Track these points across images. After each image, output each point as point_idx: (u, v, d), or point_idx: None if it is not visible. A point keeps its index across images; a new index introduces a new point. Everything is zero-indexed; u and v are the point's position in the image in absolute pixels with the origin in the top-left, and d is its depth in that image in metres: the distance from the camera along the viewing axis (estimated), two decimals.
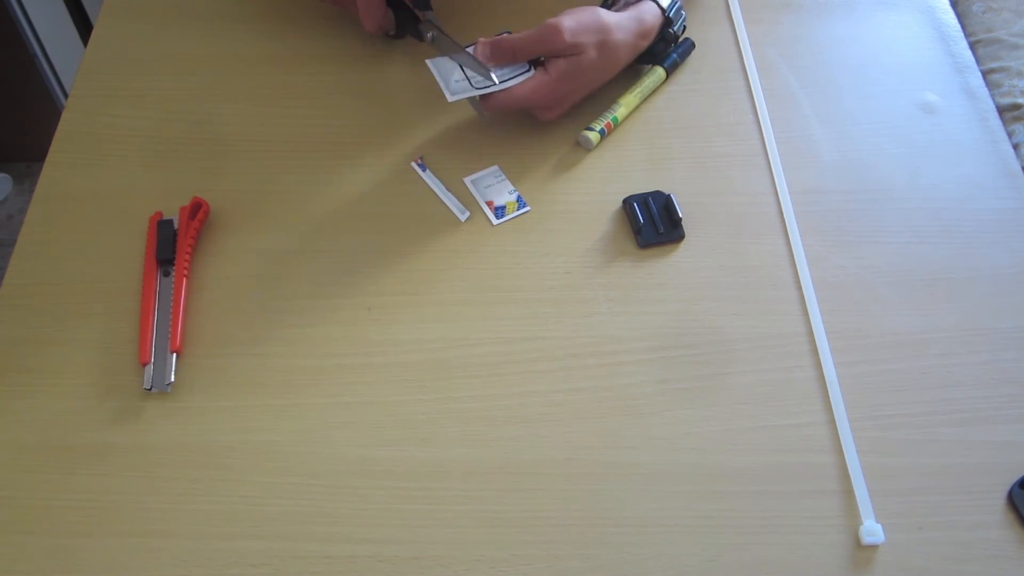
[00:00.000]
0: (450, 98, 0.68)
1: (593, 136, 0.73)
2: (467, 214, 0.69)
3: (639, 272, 0.67)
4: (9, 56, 1.52)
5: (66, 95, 1.55)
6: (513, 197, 0.70)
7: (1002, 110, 1.14)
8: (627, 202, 0.69)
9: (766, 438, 0.59)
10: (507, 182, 0.71)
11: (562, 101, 0.72)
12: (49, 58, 1.55)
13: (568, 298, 0.65)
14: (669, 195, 0.69)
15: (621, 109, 0.74)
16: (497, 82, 0.67)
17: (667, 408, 0.60)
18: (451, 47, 0.69)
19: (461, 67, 0.68)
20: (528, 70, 0.69)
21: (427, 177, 0.71)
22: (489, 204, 0.70)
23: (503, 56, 0.68)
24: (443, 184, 0.71)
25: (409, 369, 0.62)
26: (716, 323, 0.64)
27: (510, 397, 0.61)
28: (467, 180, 0.71)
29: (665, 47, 0.76)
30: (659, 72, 0.77)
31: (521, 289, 0.66)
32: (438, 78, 0.68)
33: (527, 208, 0.70)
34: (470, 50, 0.68)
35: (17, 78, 1.56)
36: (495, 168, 0.72)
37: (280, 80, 0.77)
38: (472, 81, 0.68)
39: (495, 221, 0.69)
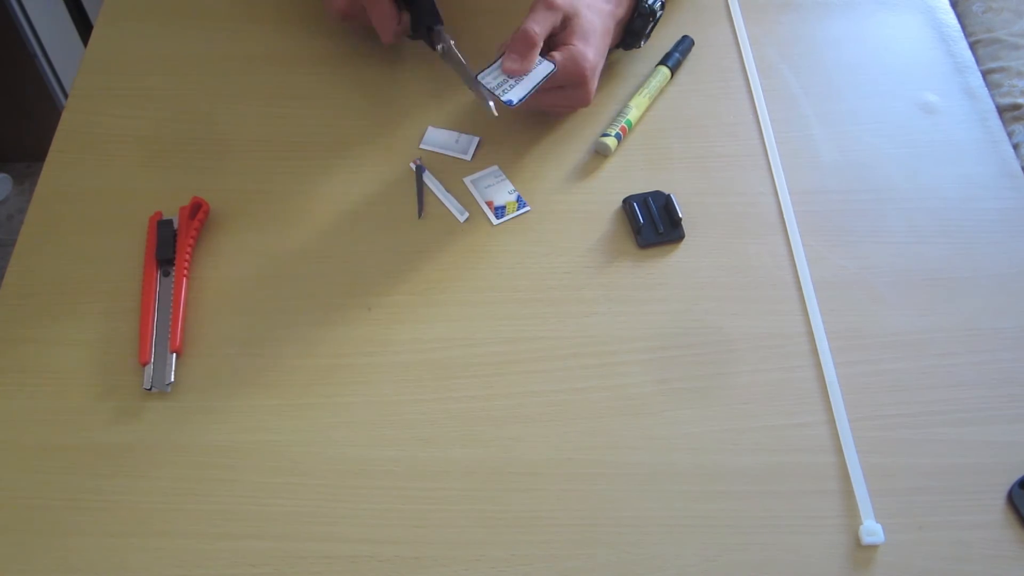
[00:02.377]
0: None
1: (611, 142, 0.72)
2: (466, 215, 0.69)
3: (639, 272, 0.67)
4: (9, 56, 1.52)
5: (66, 95, 1.55)
6: (513, 197, 0.70)
7: (1002, 110, 1.14)
8: (627, 202, 0.69)
9: (766, 438, 0.59)
10: (507, 182, 0.71)
11: (584, 73, 0.68)
12: (49, 58, 1.55)
13: (568, 298, 0.65)
14: (669, 195, 0.69)
15: (633, 111, 0.74)
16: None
17: (667, 408, 0.60)
18: (459, 64, 0.70)
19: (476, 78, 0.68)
20: (551, 67, 0.67)
21: (426, 178, 0.71)
22: (489, 204, 0.70)
23: (528, 49, 0.66)
24: (442, 185, 0.71)
25: (409, 369, 0.62)
26: (716, 323, 0.64)
27: (510, 397, 0.61)
28: (467, 180, 0.71)
29: (644, 24, 0.75)
30: (664, 72, 0.77)
31: (521, 289, 0.66)
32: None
33: (527, 208, 0.70)
34: (491, 71, 0.68)
35: (17, 78, 1.56)
36: (495, 168, 0.72)
37: (280, 80, 0.77)
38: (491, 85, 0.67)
39: (495, 221, 0.69)
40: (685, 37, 0.79)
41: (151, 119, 0.75)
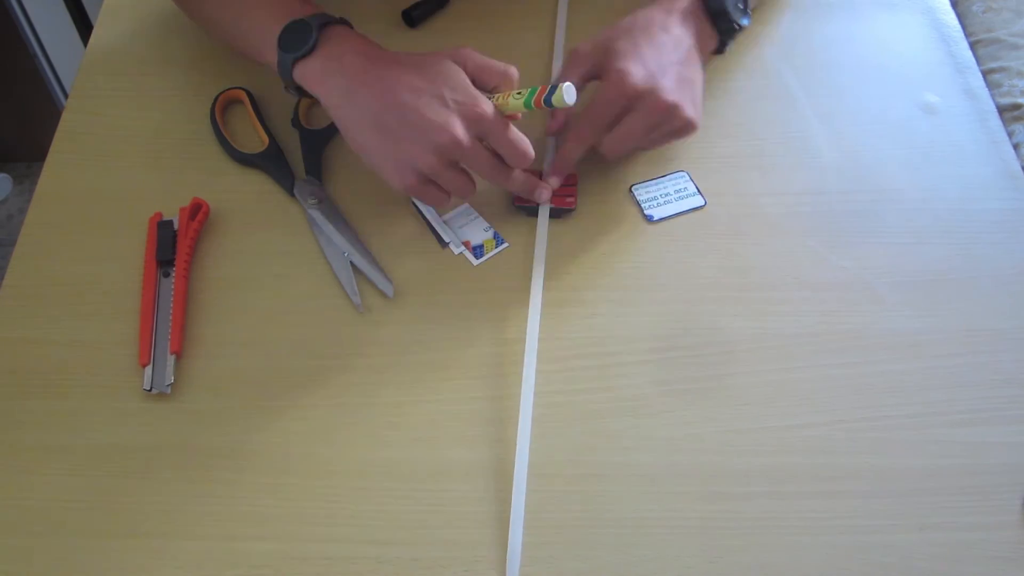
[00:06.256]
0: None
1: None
2: (460, 249, 0.68)
3: (639, 272, 0.67)
4: (9, 56, 1.52)
5: (66, 95, 1.55)
6: (490, 234, 0.68)
7: (1002, 110, 1.14)
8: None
9: (766, 439, 0.59)
10: (480, 219, 0.69)
11: (632, 90, 0.63)
12: (49, 58, 1.55)
13: (568, 298, 0.65)
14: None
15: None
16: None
17: (667, 409, 0.60)
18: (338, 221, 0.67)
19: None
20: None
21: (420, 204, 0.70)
22: (466, 244, 0.68)
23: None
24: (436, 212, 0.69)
25: (409, 369, 0.62)
26: (716, 323, 0.64)
27: (510, 398, 0.61)
28: (443, 219, 0.69)
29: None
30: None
31: (521, 289, 0.66)
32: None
33: (505, 244, 0.68)
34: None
35: (17, 78, 1.56)
36: (465, 206, 0.70)
37: (280, 80, 0.77)
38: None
39: (475, 261, 0.67)
40: None
41: (151, 119, 0.75)
